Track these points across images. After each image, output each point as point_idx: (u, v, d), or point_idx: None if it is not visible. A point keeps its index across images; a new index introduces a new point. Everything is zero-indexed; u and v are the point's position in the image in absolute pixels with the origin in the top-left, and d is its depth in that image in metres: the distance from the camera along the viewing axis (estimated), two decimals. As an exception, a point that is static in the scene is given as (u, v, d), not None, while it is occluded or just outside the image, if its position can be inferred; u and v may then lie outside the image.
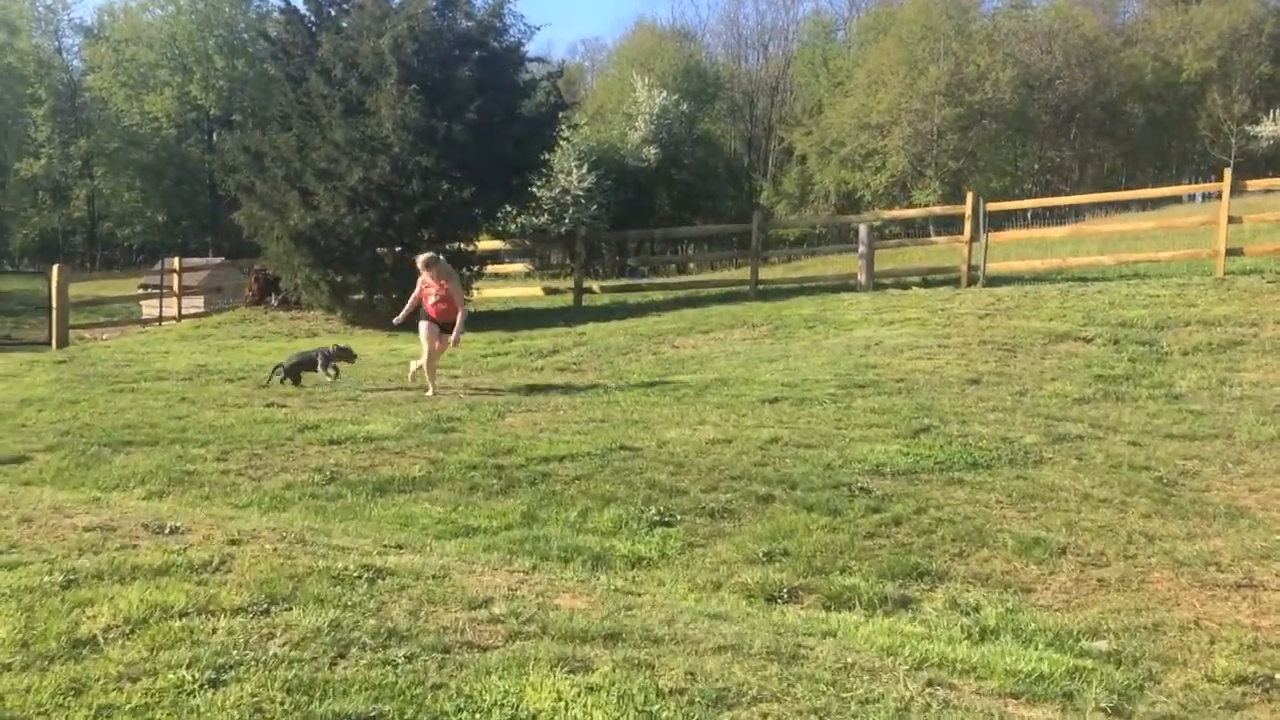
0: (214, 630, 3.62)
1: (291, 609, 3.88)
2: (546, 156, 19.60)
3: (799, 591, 5.14)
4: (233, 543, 4.77)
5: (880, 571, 5.36)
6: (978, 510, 6.26)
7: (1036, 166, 55.70)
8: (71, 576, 4.13)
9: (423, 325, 10.95)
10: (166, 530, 4.98)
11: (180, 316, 21.41)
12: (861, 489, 6.64)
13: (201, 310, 21.82)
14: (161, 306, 21.77)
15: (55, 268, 19.45)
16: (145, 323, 22.15)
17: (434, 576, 4.39)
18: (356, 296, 17.65)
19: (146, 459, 7.72)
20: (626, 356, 12.79)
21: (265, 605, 3.90)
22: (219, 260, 28.43)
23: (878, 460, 7.25)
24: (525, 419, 9.19)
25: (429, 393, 10.66)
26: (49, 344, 18.29)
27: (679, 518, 6.27)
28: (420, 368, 11.04)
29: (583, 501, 6.60)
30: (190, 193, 58.52)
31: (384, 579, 4.28)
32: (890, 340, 11.70)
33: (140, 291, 23.95)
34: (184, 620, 3.69)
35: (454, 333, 10.82)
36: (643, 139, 42.73)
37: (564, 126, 20.38)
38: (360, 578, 4.26)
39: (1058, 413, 8.66)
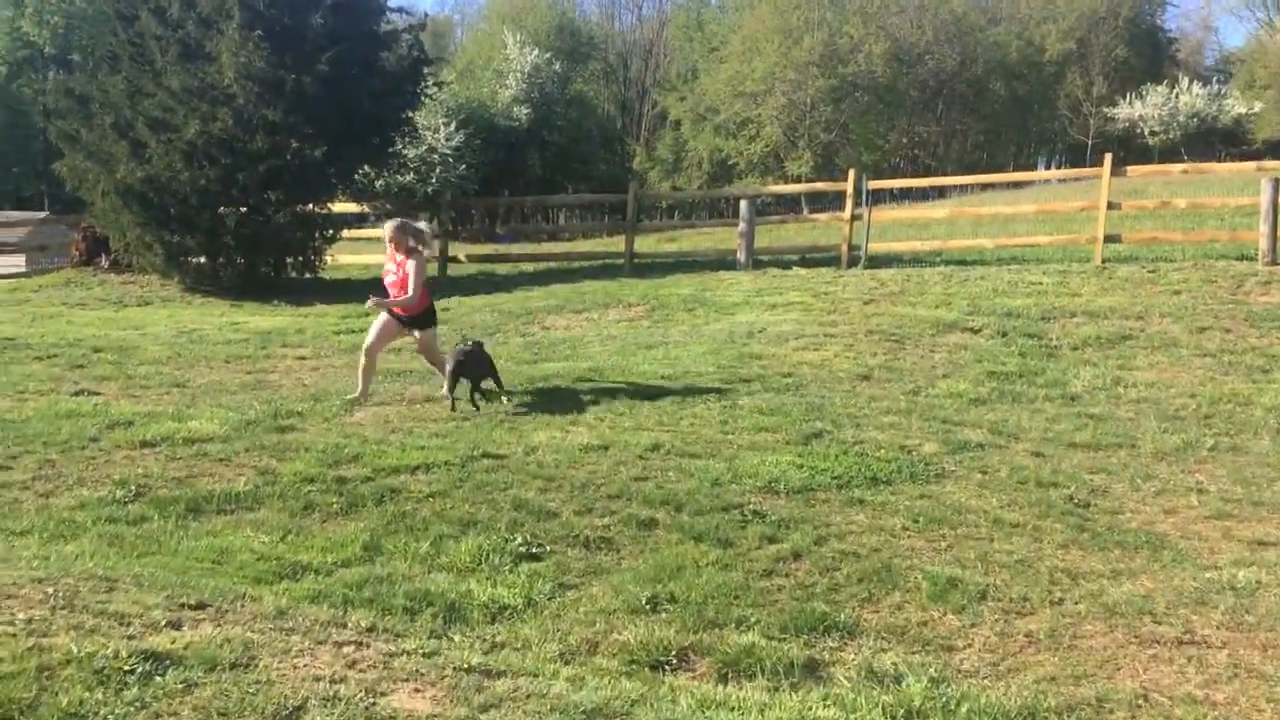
0: (-96, 777, 2.61)
1: (28, 731, 2.89)
2: (409, 114, 18.28)
3: (689, 654, 4.35)
4: (-25, 611, 3.71)
5: (782, 624, 4.62)
6: (883, 540, 5.59)
7: (905, 141, 56.41)
8: None
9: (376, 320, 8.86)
10: (-111, 589, 3.88)
11: (-4, 277, 19.36)
12: (755, 512, 5.90)
13: (22, 270, 19.79)
14: (-25, 265, 19.66)
15: None
16: (-43, 282, 19.98)
17: (233, 665, 3.43)
18: (197, 260, 16.11)
19: (-91, 465, 6.45)
20: (493, 337, 11.80)
21: (-8, 726, 2.89)
22: (43, 215, 26.06)
23: (770, 474, 6.53)
24: (375, 414, 8.17)
25: (355, 396, 8.49)
26: None
27: (549, 549, 5.43)
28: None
29: (437, 526, 5.68)
30: (23, 137, 54.13)
31: (164, 673, 3.30)
32: (774, 327, 11.04)
33: (-50, 247, 21.64)
34: None
35: (389, 301, 8.59)
36: (514, 98, 41.38)
37: (429, 83, 19.04)
38: (133, 672, 3.28)
39: (954, 416, 8.12)
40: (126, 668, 3.28)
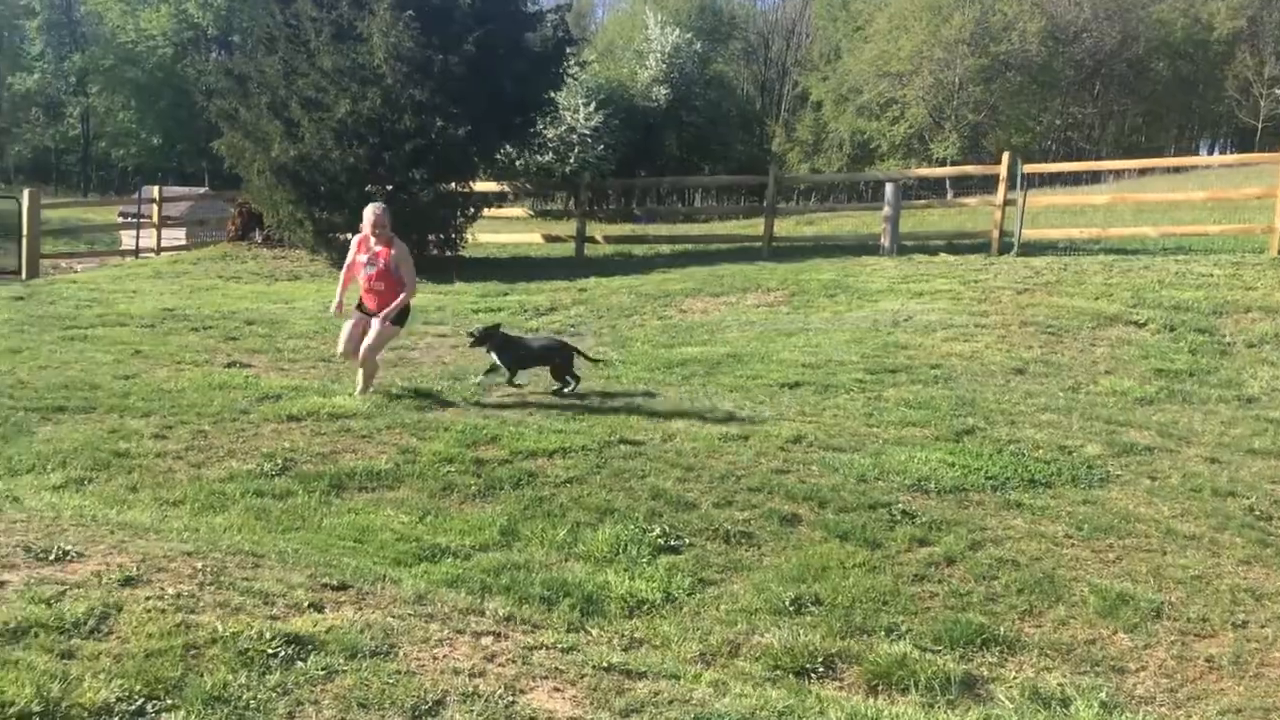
0: (55, 753, 2.61)
1: (174, 710, 2.88)
2: (552, 95, 18.29)
3: (836, 661, 4.14)
4: (127, 582, 3.76)
5: (935, 634, 4.36)
6: (1044, 548, 5.25)
7: (1058, 122, 54.06)
8: (-104, 641, 3.12)
9: (347, 322, 7.90)
10: (53, 555, 3.98)
11: (159, 249, 20.26)
12: (904, 512, 5.62)
13: (183, 243, 20.67)
14: (139, 237, 20.58)
15: (26, 192, 18.27)
16: (124, 253, 21.00)
17: (374, 653, 3.37)
18: (344, 237, 16.47)
19: (75, 432, 6.71)
20: (630, 320, 11.71)
21: (139, 704, 2.90)
22: (203, 191, 27.17)
23: (919, 472, 6.23)
24: (514, 394, 8.15)
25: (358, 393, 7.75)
26: (19, 274, 17.20)
27: (687, 541, 5.28)
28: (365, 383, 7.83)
29: (574, 513, 5.59)
30: (186, 115, 56.63)
31: (306, 658, 3.26)
32: (921, 316, 10.61)
33: (119, 220, 22.72)
34: (20, 732, 2.68)
35: (384, 311, 7.68)
36: (653, 78, 41.22)
37: (572, 63, 19.00)
38: (275, 656, 3.25)
39: (1119, 416, 7.62)
40: (270, 650, 3.25)
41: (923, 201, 21.79)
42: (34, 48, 57.85)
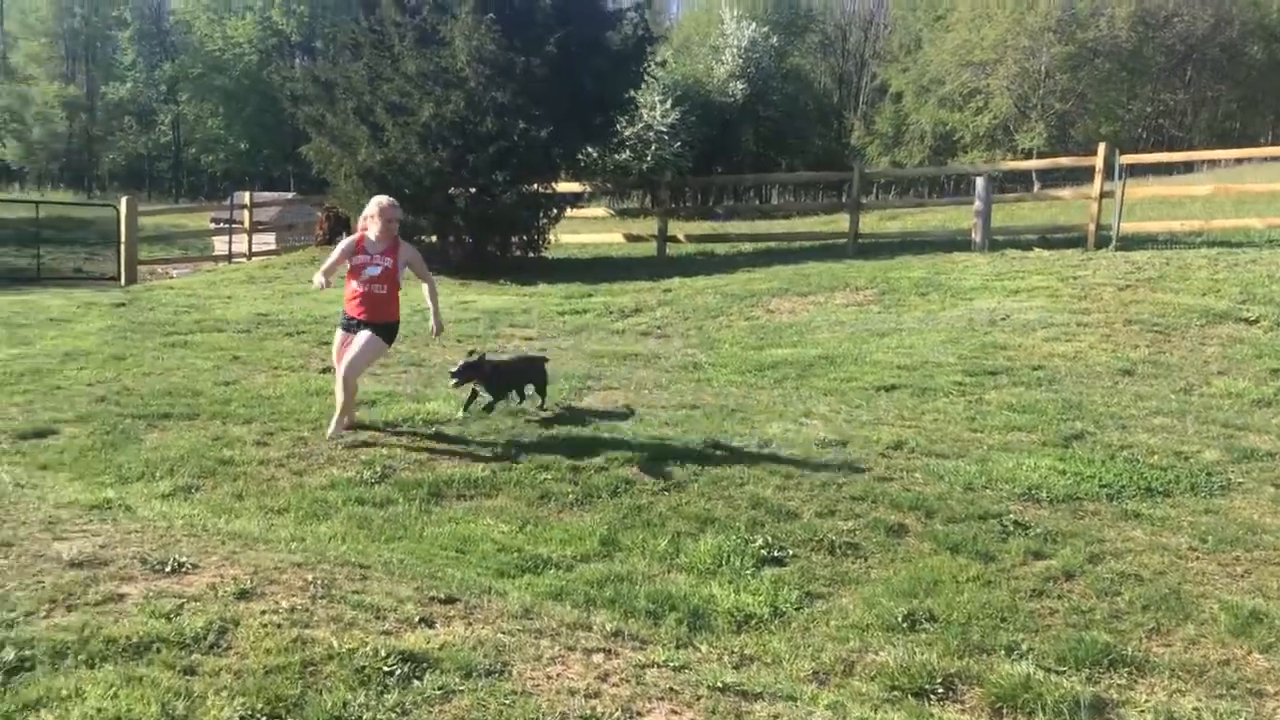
0: (184, 774, 2.61)
1: (295, 732, 2.86)
2: (632, 93, 18.25)
3: (955, 682, 3.99)
4: (242, 595, 3.78)
5: (1059, 653, 4.19)
6: (1168, 561, 5.03)
7: (1149, 110, 52.45)
8: (25, 655, 3.17)
9: (338, 334, 7.05)
10: (169, 568, 4.02)
11: (250, 254, 20.70)
12: (1016, 523, 5.44)
13: (273, 248, 21.09)
14: (231, 243, 21.06)
15: (124, 199, 18.80)
16: (216, 259, 21.52)
17: (488, 672, 3.33)
18: (428, 239, 16.65)
19: (181, 439, 6.82)
20: (717, 320, 11.61)
21: (261, 723, 2.88)
22: (290, 195, 27.71)
23: (1028, 480, 6.03)
24: (605, 399, 8.11)
25: (328, 434, 6.77)
26: (117, 280, 17.71)
27: (791, 553, 5.16)
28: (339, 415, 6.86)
29: (674, 523, 5.51)
30: (272, 121, 57.95)
31: (422, 676, 3.23)
32: (1018, 314, 10.33)
33: (211, 227, 23.29)
34: (147, 753, 2.68)
35: (434, 322, 7.15)
36: (729, 73, 40.95)
37: (652, 61, 18.94)
38: (391, 674, 3.22)
39: (1236, 419, 7.31)
40: (386, 669, 3.23)
41: (1014, 195, 21.20)
42: (126, 58, 59.63)
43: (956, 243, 15.38)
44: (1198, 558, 5.09)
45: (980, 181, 15.08)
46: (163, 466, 6.27)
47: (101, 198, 41.90)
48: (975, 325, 10.06)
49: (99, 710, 2.84)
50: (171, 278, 19.34)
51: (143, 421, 7.21)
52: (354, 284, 6.80)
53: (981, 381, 8.19)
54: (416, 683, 3.20)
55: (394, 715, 2.99)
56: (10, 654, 3.16)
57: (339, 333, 6.98)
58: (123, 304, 13.28)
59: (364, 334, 6.73)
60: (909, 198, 37.97)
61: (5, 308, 12.57)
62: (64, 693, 2.95)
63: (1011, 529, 5.34)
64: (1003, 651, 4.21)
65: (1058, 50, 47.73)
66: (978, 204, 14.85)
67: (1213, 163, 31.04)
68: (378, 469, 6.23)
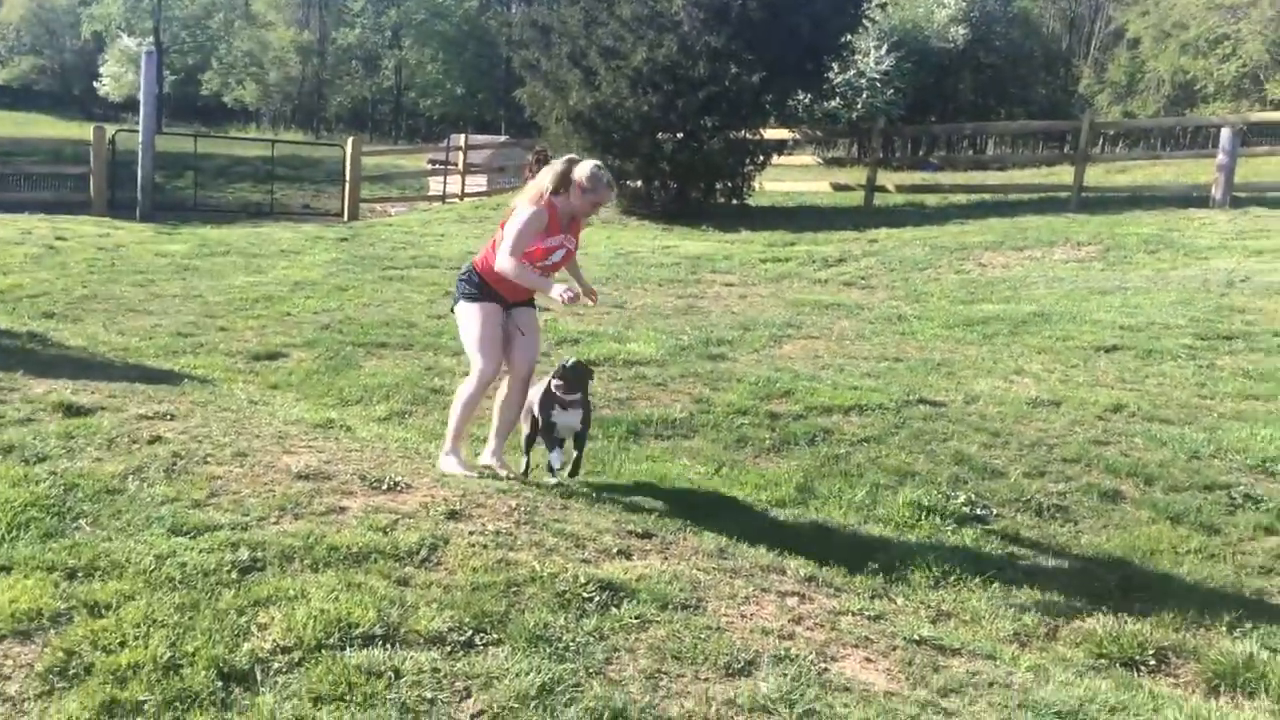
0: (398, 675, 2.77)
1: (499, 645, 2.99)
2: (849, 38, 17.76)
3: (1169, 655, 3.79)
4: (451, 515, 3.97)
5: (1288, 636, 3.89)
6: None
7: None
8: (257, 556, 3.43)
9: (486, 311, 4.98)
10: (385, 486, 4.26)
11: (463, 195, 21.47)
12: (1246, 495, 5.07)
13: (484, 189, 21.79)
14: (445, 183, 21.90)
15: (350, 140, 19.83)
16: (431, 199, 22.43)
17: (683, 606, 3.38)
18: (633, 184, 16.81)
19: (396, 367, 7.20)
20: (924, 273, 11.25)
21: (469, 635, 3.03)
22: (503, 139, 28.48)
23: (1263, 451, 5.59)
24: (804, 348, 8.02)
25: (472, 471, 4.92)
26: (341, 215, 18.74)
27: (995, 512, 4.99)
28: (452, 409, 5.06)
29: (872, 474, 5.41)
30: (488, 66, 59.70)
31: (619, 605, 3.31)
32: (1261, 276, 9.53)
33: (428, 167, 24.27)
34: (366, 653, 2.86)
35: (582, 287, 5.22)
36: (951, 17, 39.18)
37: (872, 4, 18.33)
38: (590, 600, 3.31)
39: None
40: (585, 595, 3.33)
41: (1263, 148, 19.45)
42: (356, 4, 62.47)
43: (1193, 199, 14.29)
44: None
45: (1226, 133, 13.92)
46: (379, 392, 6.63)
47: (328, 138, 44.33)
48: (1210, 286, 9.36)
49: (321, 611, 3.04)
50: (390, 215, 20.32)
51: (362, 349, 7.63)
52: (538, 263, 4.95)
53: (1215, 346, 7.63)
54: (614, 610, 3.28)
55: (592, 639, 3.07)
56: (244, 554, 3.43)
57: (491, 310, 4.99)
58: (346, 239, 14.04)
59: (534, 316, 5.27)
60: (1140, 150, 35.56)
61: (241, 239, 13.53)
62: (290, 593, 3.18)
63: (1241, 502, 4.98)
64: (1224, 628, 3.96)
65: (1322, -11, 43.32)
66: (1221, 157, 13.72)
67: None
68: (580, 405, 6.37)
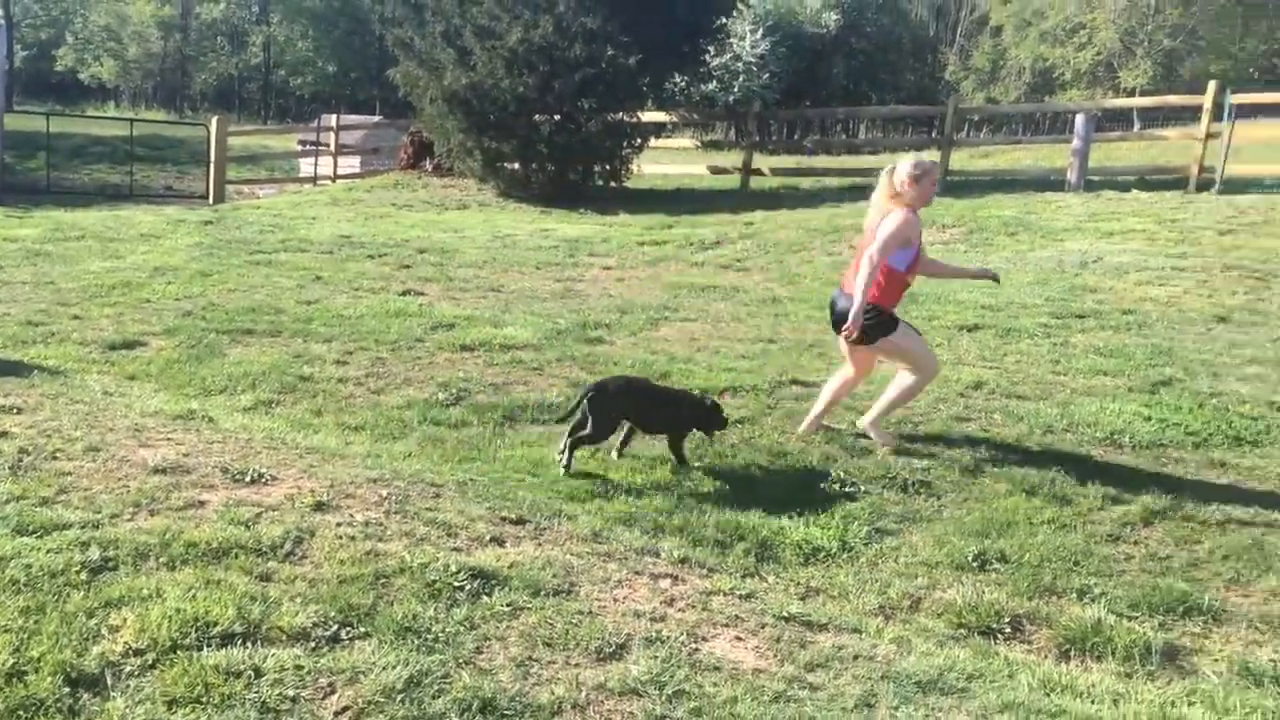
0: (258, 674, 2.70)
1: (366, 639, 2.94)
2: (724, 20, 17.91)
3: (1024, 623, 3.94)
4: (319, 507, 3.88)
5: (1132, 599, 4.10)
6: (1252, 513, 4.88)
7: (1263, 48, 49.90)
8: (109, 555, 3.30)
9: (901, 327, 5.50)
10: (248, 478, 4.14)
11: (335, 177, 20.95)
12: (1096, 466, 5.32)
13: (357, 171, 21.28)
14: (317, 165, 21.32)
15: (214, 119, 19.13)
16: (302, 180, 21.83)
17: (555, 591, 3.38)
18: (511, 166, 16.67)
19: (263, 355, 6.99)
20: (798, 255, 11.45)
21: (334, 629, 2.97)
22: (376, 119, 27.87)
23: (1111, 424, 5.88)
24: (681, 330, 8.09)
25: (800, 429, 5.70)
26: (206, 198, 18.09)
27: (863, 489, 5.11)
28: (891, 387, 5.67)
29: (746, 454, 5.49)
30: (360, 44, 58.26)
31: (491, 593, 3.29)
32: (1111, 257, 9.99)
33: (298, 148, 23.59)
34: (224, 652, 2.78)
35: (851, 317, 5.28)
36: (824, 3, 39.83)
37: (743, -13, 18.57)
38: (461, 589, 3.28)
39: (1336, 371, 7.01)
40: (456, 584, 3.29)
41: (1115, 134, 20.37)
42: (220, -23, 60.30)
43: (1050, 182, 14.90)
44: (1286, 511, 4.92)
45: (1080, 119, 14.54)
46: (245, 381, 6.42)
47: (193, 117, 42.72)
48: (1065, 267, 9.77)
49: (177, 610, 2.94)
50: (258, 198, 19.69)
51: (227, 337, 7.39)
52: (906, 277, 5.45)
53: (1068, 324, 7.98)
54: (485, 598, 3.25)
55: (462, 628, 3.04)
56: (95, 553, 3.29)
57: (903, 323, 5.51)
58: (210, 222, 13.55)
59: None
60: (1002, 135, 36.82)
61: (98, 223, 12.94)
62: (145, 592, 3.06)
63: (1091, 472, 5.22)
64: (1074, 595, 4.14)
65: (1169, -18, 45.52)
66: (1075, 142, 14.34)
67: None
68: (453, 391, 6.30)
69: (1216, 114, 13.99)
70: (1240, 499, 5.03)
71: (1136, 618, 3.99)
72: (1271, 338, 7.73)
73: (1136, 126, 31.52)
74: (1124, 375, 6.79)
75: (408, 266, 10.66)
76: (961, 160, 18.95)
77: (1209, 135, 13.93)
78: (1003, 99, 48.85)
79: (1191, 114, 14.61)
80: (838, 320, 5.50)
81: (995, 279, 6.04)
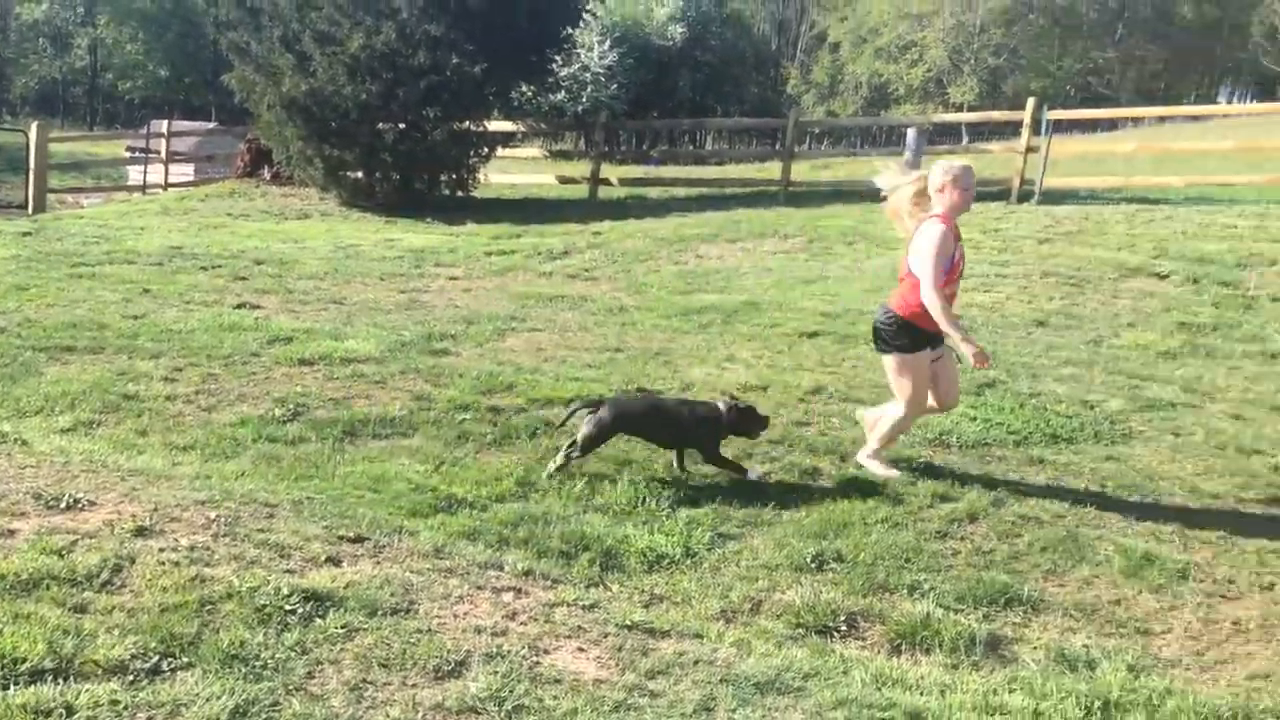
0: (70, 711, 2.57)
1: (189, 669, 2.81)
2: (570, 31, 17.95)
3: (859, 620, 4.07)
4: (140, 532, 3.70)
5: (959, 593, 4.28)
6: (1067, 506, 5.16)
7: (1079, 67, 53.14)
8: (-95, 591, 3.06)
9: (918, 365, 5.34)
10: (64, 504, 3.92)
11: (167, 185, 20.08)
12: (926, 466, 5.54)
13: (191, 179, 20.47)
14: (146, 173, 20.41)
15: (35, 125, 18.10)
16: (131, 189, 20.86)
17: (394, 610, 3.31)
18: (354, 175, 16.30)
19: (84, 373, 6.62)
20: (645, 265, 11.57)
21: (154, 661, 2.84)
22: (211, 125, 26.87)
23: (941, 426, 6.14)
24: (528, 340, 8.06)
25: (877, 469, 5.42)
26: (25, 208, 17.08)
27: (707, 495, 5.18)
28: (882, 422, 5.48)
29: (592, 464, 5.49)
30: (194, 47, 56.05)
31: (325, 615, 3.20)
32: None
33: (126, 156, 22.53)
34: (33, 689, 2.62)
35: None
36: (670, 16, 40.37)
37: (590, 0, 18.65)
38: (293, 613, 3.18)
39: (1141, 370, 7.51)
40: (287, 607, 3.19)
41: (944, 147, 21.36)
42: (41, -23, 57.13)
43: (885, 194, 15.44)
44: (1096, 502, 5.23)
45: (911, 133, 15.17)
46: (63, 401, 6.07)
47: (12, 123, 40.21)
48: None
49: (-18, 647, 2.76)
50: (82, 207, 18.70)
51: (44, 354, 6.97)
52: (947, 287, 5.22)
53: (902, 330, 8.28)
54: (319, 621, 3.16)
55: (293, 653, 2.95)
56: (-110, 589, 3.06)
57: (922, 361, 5.30)
58: (29, 233, 12.80)
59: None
60: (842, 147, 38.11)
61: (-96, 234, 12.05)
62: (-54, 629, 2.87)
63: (922, 472, 5.44)
64: (906, 591, 4.30)
65: (994, 3, 48.04)
66: (907, 155, 14.93)
67: (1137, 121, 31.62)
68: (290, 407, 6.10)
69: (1036, 129, 14.80)
70: (1056, 494, 5.32)
71: (962, 610, 4.16)
72: (1085, 340, 8.22)
73: (964, 140, 33.05)
74: (951, 378, 7.09)
75: (244, 278, 10.29)
76: (804, 171, 19.50)
77: (1029, 149, 14.72)
78: (841, 113, 50.63)
79: (1013, 129, 15.42)
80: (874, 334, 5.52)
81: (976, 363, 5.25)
